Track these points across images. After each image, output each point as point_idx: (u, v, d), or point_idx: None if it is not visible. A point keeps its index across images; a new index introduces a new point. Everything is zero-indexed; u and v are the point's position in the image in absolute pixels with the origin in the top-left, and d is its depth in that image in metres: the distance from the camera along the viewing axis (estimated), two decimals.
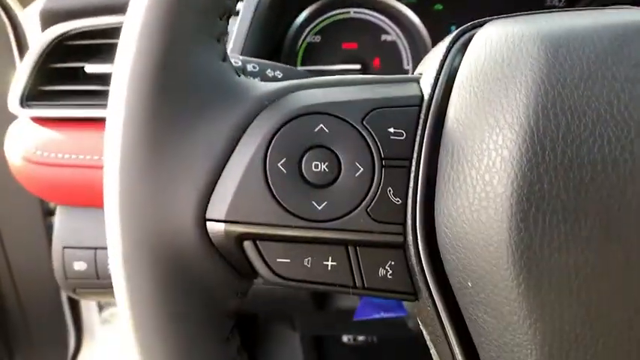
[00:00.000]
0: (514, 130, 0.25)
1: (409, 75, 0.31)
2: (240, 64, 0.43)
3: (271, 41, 0.69)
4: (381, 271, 0.28)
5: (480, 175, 0.25)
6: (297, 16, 0.73)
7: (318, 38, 0.76)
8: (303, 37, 0.75)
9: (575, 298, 0.23)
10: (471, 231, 0.25)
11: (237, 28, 0.60)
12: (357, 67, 0.74)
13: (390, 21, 0.75)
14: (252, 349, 1.14)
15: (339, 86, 0.30)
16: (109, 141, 0.27)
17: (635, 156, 0.23)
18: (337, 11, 0.75)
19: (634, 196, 0.23)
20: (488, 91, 0.26)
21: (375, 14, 0.75)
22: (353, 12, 0.75)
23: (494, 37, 0.28)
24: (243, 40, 0.58)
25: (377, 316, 0.59)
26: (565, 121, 0.24)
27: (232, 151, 0.27)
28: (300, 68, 0.75)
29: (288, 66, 0.46)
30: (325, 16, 0.75)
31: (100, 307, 1.29)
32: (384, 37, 0.75)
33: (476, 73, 0.27)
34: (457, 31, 0.31)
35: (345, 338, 1.03)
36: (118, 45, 0.28)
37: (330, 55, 0.75)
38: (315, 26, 0.75)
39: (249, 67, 0.43)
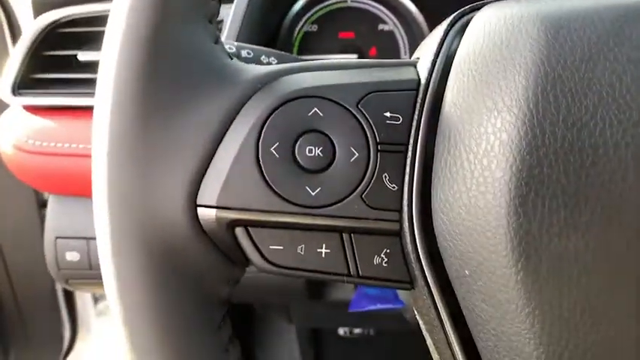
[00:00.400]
0: (513, 113, 0.24)
1: (406, 59, 0.31)
2: (234, 49, 0.42)
3: (267, 30, 0.68)
4: (377, 259, 0.27)
5: (477, 160, 0.25)
6: (293, 4, 0.72)
7: (314, 27, 0.75)
8: (299, 26, 0.74)
9: (575, 284, 0.23)
10: (468, 217, 0.25)
11: (231, 16, 0.59)
12: (354, 56, 0.73)
13: (387, 10, 0.74)
14: (249, 342, 1.14)
15: (334, 70, 0.30)
16: (97, 126, 0.26)
17: (636, 139, 0.23)
18: (334, 0, 0.74)
19: (635, 181, 0.22)
20: (486, 74, 0.26)
21: (372, 3, 0.74)
22: (350, 1, 0.74)
23: (492, 19, 0.27)
24: (237, 27, 0.57)
25: (372, 307, 0.58)
26: (565, 103, 0.24)
27: (224, 134, 0.27)
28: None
29: (283, 52, 0.45)
30: (322, 5, 0.74)
31: (96, 300, 1.29)
32: (381, 26, 0.74)
33: (474, 55, 0.27)
34: (455, 14, 0.30)
35: (341, 331, 1.03)
36: (107, 25, 0.27)
37: (327, 45, 0.74)
38: (311, 15, 0.74)
39: (244, 53, 0.42)
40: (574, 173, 0.23)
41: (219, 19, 0.59)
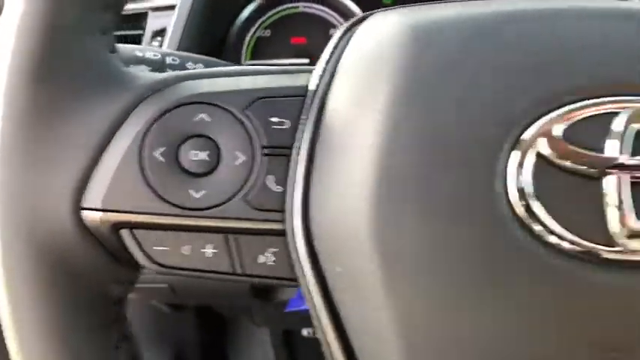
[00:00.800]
0: (377, 119, 0.25)
1: (306, 67, 0.32)
2: (159, 56, 0.43)
3: (213, 37, 0.69)
4: (262, 258, 0.28)
5: (346, 162, 0.26)
6: (240, 11, 0.73)
7: (267, 32, 0.76)
8: (252, 31, 0.75)
9: (430, 283, 0.24)
10: (337, 218, 0.26)
11: (173, 25, 0.60)
12: (306, 61, 0.74)
13: (338, 15, 0.75)
14: (222, 344, 1.15)
15: (231, 76, 0.31)
16: None
17: (486, 141, 0.24)
18: (286, 5, 0.76)
19: (483, 183, 0.24)
20: (362, 80, 0.27)
21: (324, 9, 0.75)
22: (302, 6, 0.76)
23: (374, 28, 0.29)
24: (179, 36, 0.58)
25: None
26: (424, 108, 0.25)
27: (111, 139, 0.28)
28: (248, 62, 0.75)
29: (213, 59, 0.46)
30: (274, 11, 0.75)
31: None
32: (332, 31, 0.75)
33: (354, 63, 0.28)
34: (349, 21, 0.31)
35: (305, 332, 1.04)
36: None
37: (279, 50, 0.75)
38: (265, 20, 0.76)
39: (169, 60, 0.43)
40: (428, 176, 0.24)
41: (161, 27, 0.60)
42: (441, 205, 0.24)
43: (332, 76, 0.29)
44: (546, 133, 0.24)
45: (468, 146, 0.24)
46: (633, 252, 0.23)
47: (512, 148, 0.24)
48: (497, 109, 0.24)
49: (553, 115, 0.24)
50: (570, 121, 0.24)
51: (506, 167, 0.24)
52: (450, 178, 0.24)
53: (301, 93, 0.29)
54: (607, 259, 0.23)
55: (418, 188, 0.24)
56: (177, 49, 0.58)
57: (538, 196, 0.23)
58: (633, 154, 0.23)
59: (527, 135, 0.24)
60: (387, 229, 0.24)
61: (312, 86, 0.29)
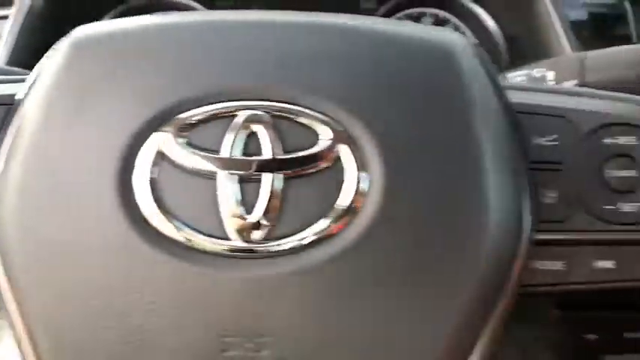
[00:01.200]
0: (37, 124, 0.27)
1: (18, 76, 0.33)
2: None
3: None
4: None
5: (15, 164, 0.27)
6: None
7: None
8: None
9: (60, 276, 0.26)
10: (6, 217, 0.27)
11: (6, 36, 0.60)
12: None
13: None
14: None
15: None
16: None
17: (116, 146, 0.26)
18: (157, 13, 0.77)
19: (111, 179, 0.25)
20: (47, 93, 0.28)
21: None
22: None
23: (65, 40, 0.30)
24: (10, 48, 0.59)
25: None
26: (67, 118, 0.27)
27: None
28: None
29: (13, 68, 0.47)
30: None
31: None
32: None
33: (45, 74, 0.29)
34: (69, 34, 0.33)
35: None
36: None
37: None
38: None
39: None
40: (60, 182, 0.26)
41: None
42: (68, 210, 0.26)
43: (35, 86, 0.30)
44: (169, 137, 0.25)
45: (96, 154, 0.26)
46: (244, 244, 0.25)
47: (137, 151, 0.25)
48: (124, 117, 0.26)
49: (180, 117, 0.25)
50: (192, 125, 0.26)
51: (132, 168, 0.25)
52: (75, 186, 0.26)
53: (8, 102, 0.30)
54: (223, 251, 0.25)
55: (51, 189, 0.26)
56: (8, 61, 0.58)
57: (161, 196, 0.25)
58: (244, 154, 0.25)
59: (152, 138, 0.25)
60: (35, 228, 0.26)
61: (20, 95, 0.31)
